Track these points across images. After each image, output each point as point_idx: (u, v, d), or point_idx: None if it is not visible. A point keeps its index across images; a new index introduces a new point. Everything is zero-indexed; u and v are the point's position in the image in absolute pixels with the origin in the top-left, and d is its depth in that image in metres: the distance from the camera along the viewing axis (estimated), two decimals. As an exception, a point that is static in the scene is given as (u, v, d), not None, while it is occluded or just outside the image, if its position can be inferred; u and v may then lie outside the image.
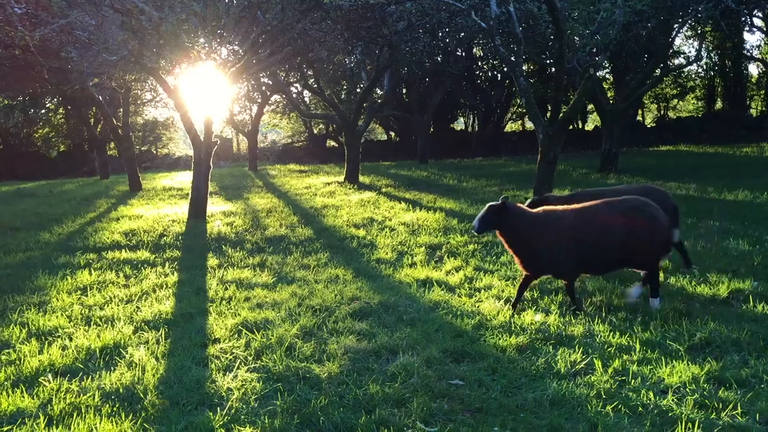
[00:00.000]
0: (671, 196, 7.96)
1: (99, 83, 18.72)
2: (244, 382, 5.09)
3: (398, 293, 7.51)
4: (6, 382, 5.24)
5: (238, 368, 5.38)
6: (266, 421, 4.45)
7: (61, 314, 7.12)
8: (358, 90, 28.16)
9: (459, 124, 45.42)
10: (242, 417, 4.53)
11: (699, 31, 27.00)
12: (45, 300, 7.78)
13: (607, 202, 6.63)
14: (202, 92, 15.25)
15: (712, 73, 40.09)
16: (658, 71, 21.78)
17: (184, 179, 25.62)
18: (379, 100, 26.34)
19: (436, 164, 29.62)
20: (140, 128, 42.54)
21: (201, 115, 14.76)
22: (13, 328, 6.60)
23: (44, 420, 4.57)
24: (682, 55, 31.12)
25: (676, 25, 19.88)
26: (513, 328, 6.07)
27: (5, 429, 4.47)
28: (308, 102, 37.34)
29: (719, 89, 40.54)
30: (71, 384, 5.16)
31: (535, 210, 6.76)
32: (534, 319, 6.19)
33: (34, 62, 12.92)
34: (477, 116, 40.55)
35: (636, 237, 6.31)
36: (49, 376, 5.33)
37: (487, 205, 6.57)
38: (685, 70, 36.77)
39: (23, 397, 4.95)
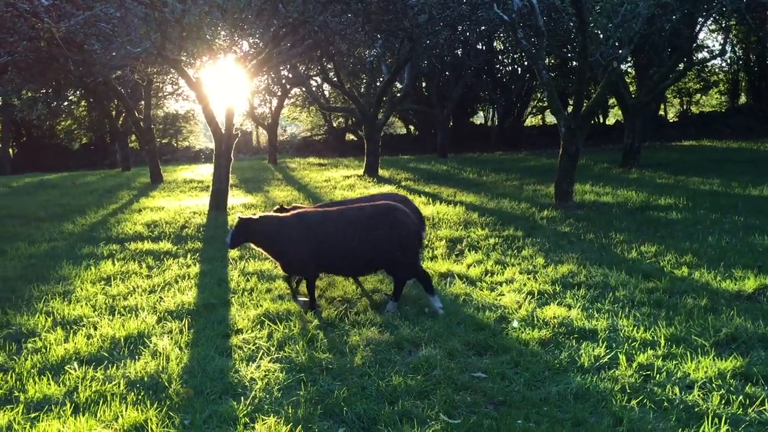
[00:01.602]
0: (417, 208, 7.87)
1: (121, 76, 18.87)
2: (267, 373, 5.12)
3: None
4: (33, 370, 5.31)
5: (260, 358, 5.41)
6: (290, 411, 4.46)
7: (86, 303, 7.20)
8: (378, 83, 28.10)
9: (479, 118, 45.22)
10: (266, 406, 4.56)
11: (723, 25, 26.57)
12: (69, 289, 7.87)
13: (349, 207, 6.77)
14: (223, 85, 15.34)
15: (736, 68, 39.52)
16: (681, 65, 21.48)
17: (204, 172, 25.79)
18: (399, 94, 26.27)
19: (455, 158, 29.51)
20: (161, 121, 42.89)
21: (222, 107, 14.85)
22: (38, 317, 6.69)
23: (71, 407, 4.63)
24: (705, 49, 30.67)
25: (700, 19, 19.57)
26: (535, 322, 6.05)
27: (33, 415, 4.54)
28: (328, 95, 37.33)
29: (743, 84, 39.99)
30: (96, 372, 5.22)
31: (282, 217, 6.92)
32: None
33: (58, 54, 13.03)
34: (497, 110, 40.32)
35: (380, 241, 6.41)
36: (75, 364, 5.40)
37: (237, 219, 6.76)
38: (709, 64, 36.27)
39: (50, 384, 5.01)
